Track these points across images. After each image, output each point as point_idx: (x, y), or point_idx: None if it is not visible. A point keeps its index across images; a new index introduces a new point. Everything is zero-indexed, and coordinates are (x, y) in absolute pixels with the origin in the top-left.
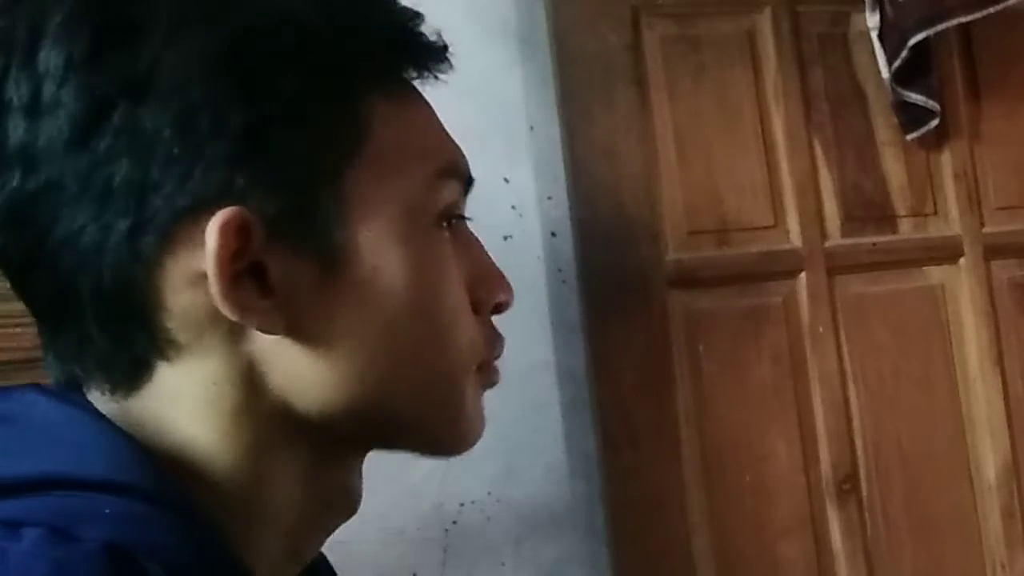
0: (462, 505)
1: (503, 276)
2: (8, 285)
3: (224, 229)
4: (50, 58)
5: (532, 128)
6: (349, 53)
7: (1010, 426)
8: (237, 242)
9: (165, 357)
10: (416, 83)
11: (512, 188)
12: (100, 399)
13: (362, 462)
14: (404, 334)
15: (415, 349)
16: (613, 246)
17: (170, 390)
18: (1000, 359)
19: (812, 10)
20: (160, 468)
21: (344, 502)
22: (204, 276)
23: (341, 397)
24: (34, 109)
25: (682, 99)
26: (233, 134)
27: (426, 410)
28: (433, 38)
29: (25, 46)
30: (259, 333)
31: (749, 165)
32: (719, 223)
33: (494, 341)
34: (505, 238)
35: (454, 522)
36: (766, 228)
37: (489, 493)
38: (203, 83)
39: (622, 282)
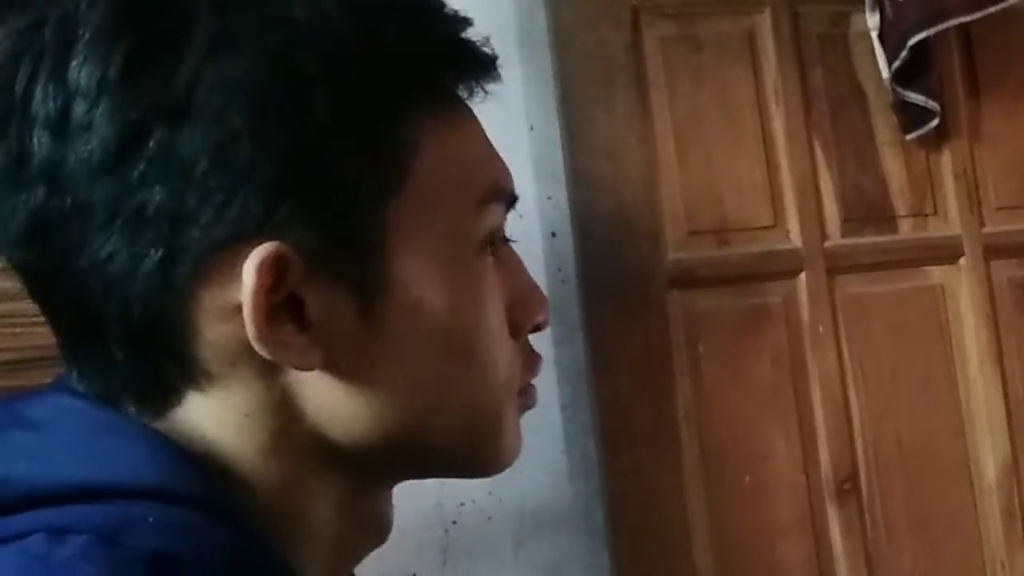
0: (462, 505)
1: (542, 295)
2: (9, 285)
3: (262, 267)
4: (82, 74)
5: (532, 128)
6: (396, 72)
7: (1010, 426)
8: (274, 277)
9: (196, 386)
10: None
11: None
12: (130, 413)
13: (393, 489)
14: (444, 366)
15: (456, 381)
16: (613, 246)
17: (201, 416)
18: (1000, 359)
19: (812, 10)
20: (206, 476)
21: (376, 528)
22: (238, 308)
23: (378, 429)
24: (62, 128)
25: (682, 99)
26: (275, 163)
27: (465, 439)
28: (483, 48)
29: (55, 56)
30: (294, 366)
31: (749, 165)
32: (719, 223)
33: (533, 364)
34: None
35: (454, 522)
36: (766, 228)
37: (489, 493)
38: (244, 108)
39: (622, 282)
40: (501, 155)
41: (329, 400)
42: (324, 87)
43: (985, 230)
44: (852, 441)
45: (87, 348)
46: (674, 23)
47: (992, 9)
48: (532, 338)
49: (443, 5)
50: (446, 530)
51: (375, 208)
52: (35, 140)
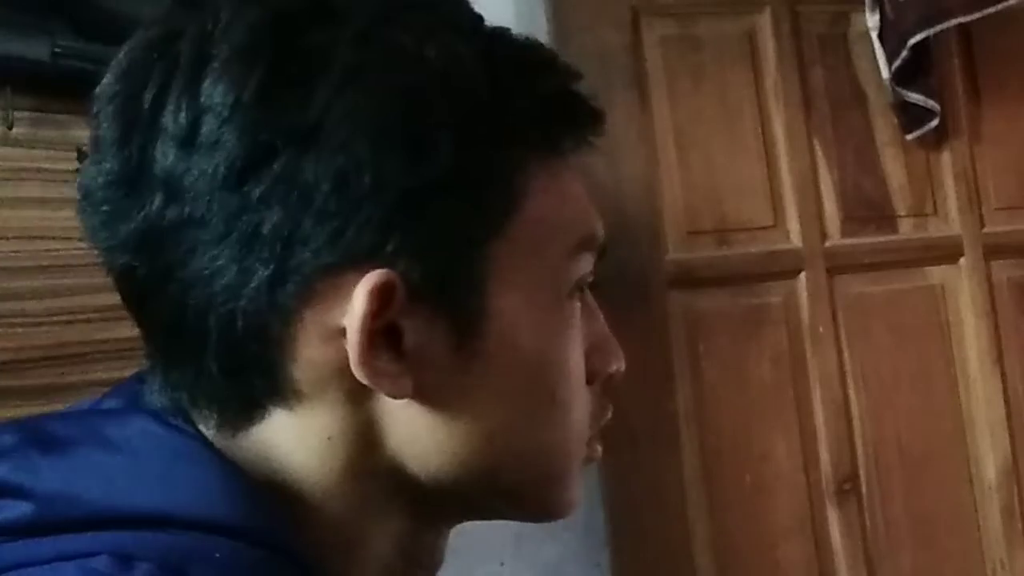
0: None
1: (618, 346)
2: (9, 285)
3: (373, 293)
4: (216, 92)
5: None
6: (517, 121)
7: (1010, 426)
8: (380, 304)
9: (284, 405)
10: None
11: None
12: (207, 430)
13: (451, 529)
14: (529, 406)
15: (537, 422)
16: (613, 246)
17: (282, 435)
18: (1000, 359)
19: (812, 10)
20: (271, 510)
21: (430, 562)
22: (340, 332)
23: (455, 464)
24: (190, 141)
25: (682, 99)
26: (393, 195)
27: (536, 484)
28: (593, 103)
29: (190, 70)
30: (384, 392)
31: (749, 165)
32: (719, 223)
33: (604, 412)
34: None
35: None
36: (766, 228)
37: None
38: (371, 139)
39: (622, 282)
40: None
41: (412, 431)
42: (449, 128)
43: (985, 230)
44: (852, 441)
45: (179, 357)
46: (674, 23)
47: (992, 9)
48: None
49: (559, 57)
50: None
51: (480, 247)
52: (159, 151)
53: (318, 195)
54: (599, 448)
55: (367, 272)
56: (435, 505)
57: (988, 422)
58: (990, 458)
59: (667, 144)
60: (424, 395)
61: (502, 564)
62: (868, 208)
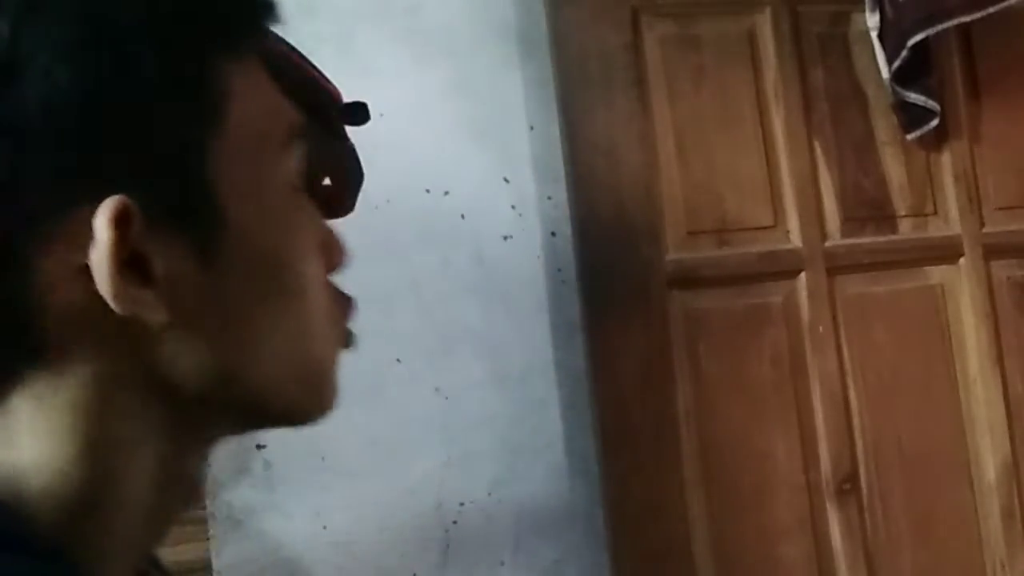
0: (462, 505)
1: (340, 238)
2: None
3: (113, 221)
4: None
5: (532, 128)
6: (204, 23)
7: (1010, 426)
8: (121, 232)
9: (39, 364)
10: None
11: (512, 188)
12: None
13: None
14: (279, 305)
15: (288, 319)
16: (613, 246)
17: (28, 403)
18: (1000, 359)
19: (812, 10)
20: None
21: (189, 489)
22: (84, 270)
23: (217, 375)
24: None
25: (682, 99)
26: (106, 118)
27: (295, 377)
28: None
29: None
30: (142, 324)
31: (749, 165)
32: (719, 223)
33: (347, 303)
34: (505, 238)
35: (454, 522)
36: (766, 228)
37: (489, 493)
38: (70, 64)
39: (622, 282)
40: (501, 155)
41: (172, 353)
42: (144, 41)
43: (985, 230)
44: (852, 441)
45: None
46: (674, 23)
47: (992, 9)
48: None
49: None
50: (446, 530)
51: (201, 156)
52: None
53: (31, 133)
54: (353, 335)
55: (100, 202)
56: (197, 424)
57: (988, 422)
58: (990, 458)
59: (667, 144)
60: (179, 315)
61: (502, 564)
62: (868, 208)
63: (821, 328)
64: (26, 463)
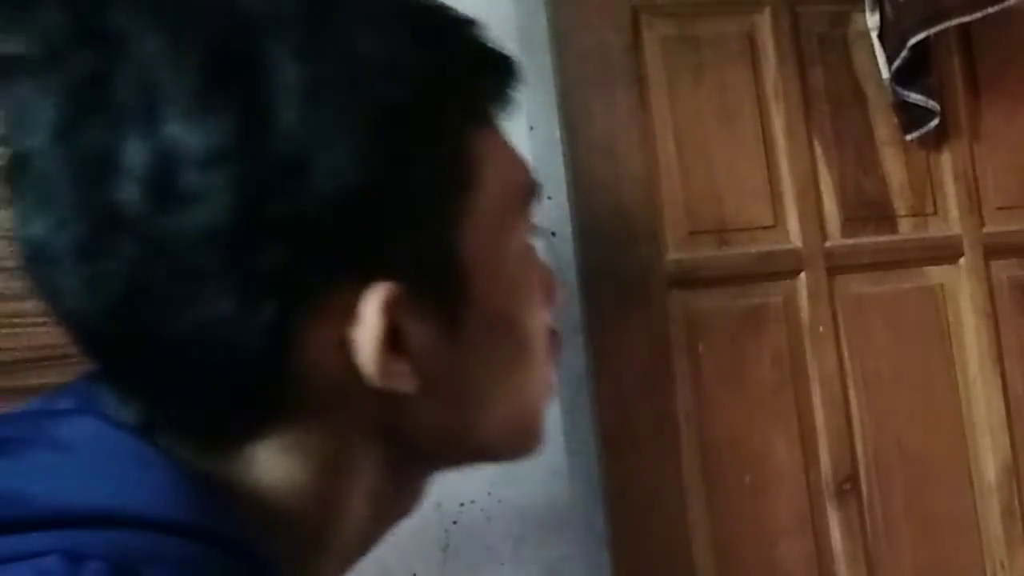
0: (462, 505)
1: (553, 272)
2: (9, 285)
3: (385, 307)
4: (181, 137)
5: (532, 128)
6: (462, 94)
7: (1010, 426)
8: (391, 316)
9: (279, 425)
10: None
11: None
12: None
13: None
14: (516, 363)
15: (522, 372)
16: (613, 246)
17: (268, 453)
18: (1000, 359)
19: (812, 10)
20: (228, 512)
21: (402, 516)
22: (345, 342)
23: (451, 431)
24: (164, 192)
25: (682, 99)
26: (379, 203)
27: (522, 424)
28: (503, 51)
29: (142, 119)
30: (394, 393)
31: (749, 165)
32: (719, 223)
33: (556, 341)
34: None
35: (454, 522)
36: (766, 228)
37: (489, 493)
38: (354, 160)
39: (622, 282)
40: None
41: (413, 415)
42: (416, 128)
43: (985, 230)
44: (852, 441)
45: (155, 393)
46: (674, 23)
47: (992, 9)
48: None
49: (463, 16)
50: (446, 530)
51: (458, 234)
52: (125, 206)
53: (312, 223)
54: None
55: (369, 283)
56: (419, 468)
57: (988, 422)
58: (990, 458)
59: (667, 144)
60: (430, 386)
61: (502, 564)
62: (868, 208)
63: (821, 328)
64: (263, 494)
